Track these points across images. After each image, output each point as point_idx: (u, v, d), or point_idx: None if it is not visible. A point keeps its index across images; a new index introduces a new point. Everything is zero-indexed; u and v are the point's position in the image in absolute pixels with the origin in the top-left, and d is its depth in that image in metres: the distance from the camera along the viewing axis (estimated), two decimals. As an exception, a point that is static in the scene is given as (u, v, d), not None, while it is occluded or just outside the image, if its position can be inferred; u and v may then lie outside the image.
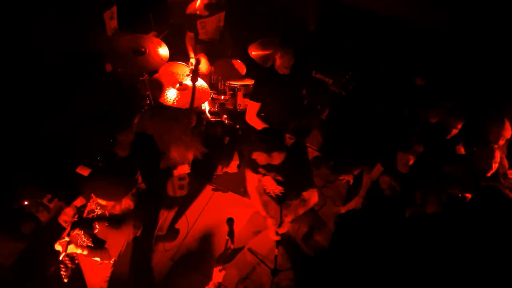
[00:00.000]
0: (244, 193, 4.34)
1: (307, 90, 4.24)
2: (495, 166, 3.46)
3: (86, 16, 3.93)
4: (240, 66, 4.57)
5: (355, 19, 5.05)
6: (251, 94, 3.98)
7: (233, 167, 4.48)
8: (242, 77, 4.44)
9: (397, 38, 4.84)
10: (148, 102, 4.30)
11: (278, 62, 3.67)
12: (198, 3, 4.33)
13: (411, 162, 3.41)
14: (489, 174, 3.46)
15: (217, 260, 3.29)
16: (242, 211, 4.16)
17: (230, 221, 2.79)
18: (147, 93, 4.23)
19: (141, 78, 4.16)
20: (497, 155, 3.49)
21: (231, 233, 2.79)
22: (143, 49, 3.97)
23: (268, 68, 3.92)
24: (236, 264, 3.79)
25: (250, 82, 4.31)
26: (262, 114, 3.85)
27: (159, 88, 3.87)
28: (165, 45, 4.11)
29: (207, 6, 4.32)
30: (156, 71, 4.22)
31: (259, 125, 3.74)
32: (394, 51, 4.87)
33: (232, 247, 2.87)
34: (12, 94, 3.38)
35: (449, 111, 3.74)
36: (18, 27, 3.30)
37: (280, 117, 3.90)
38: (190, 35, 4.48)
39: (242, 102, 4.31)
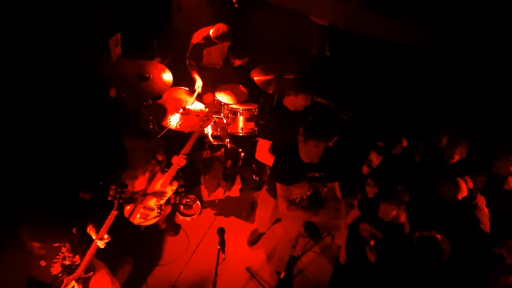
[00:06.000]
0: (247, 218, 4.32)
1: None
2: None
3: (92, 42, 4.01)
4: (242, 91, 4.62)
5: (355, 44, 5.14)
6: (260, 132, 3.89)
7: (235, 191, 4.47)
8: (244, 101, 4.48)
9: (396, 62, 4.89)
10: (152, 126, 4.33)
11: (292, 100, 3.48)
12: (212, 31, 4.41)
13: (394, 213, 3.25)
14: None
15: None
16: (244, 236, 4.18)
17: (220, 231, 2.78)
18: (151, 117, 4.27)
19: (145, 103, 4.21)
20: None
21: (222, 243, 2.75)
22: (147, 75, 4.04)
23: (275, 103, 3.82)
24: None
25: (252, 106, 4.35)
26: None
27: (163, 113, 3.92)
28: (168, 71, 4.19)
29: (217, 38, 4.41)
30: (160, 97, 4.28)
31: (270, 161, 3.54)
32: (393, 74, 4.93)
33: (223, 257, 2.79)
34: (19, 117, 3.41)
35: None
36: (24, 53, 3.36)
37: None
38: (193, 63, 4.55)
39: (245, 126, 4.34)
